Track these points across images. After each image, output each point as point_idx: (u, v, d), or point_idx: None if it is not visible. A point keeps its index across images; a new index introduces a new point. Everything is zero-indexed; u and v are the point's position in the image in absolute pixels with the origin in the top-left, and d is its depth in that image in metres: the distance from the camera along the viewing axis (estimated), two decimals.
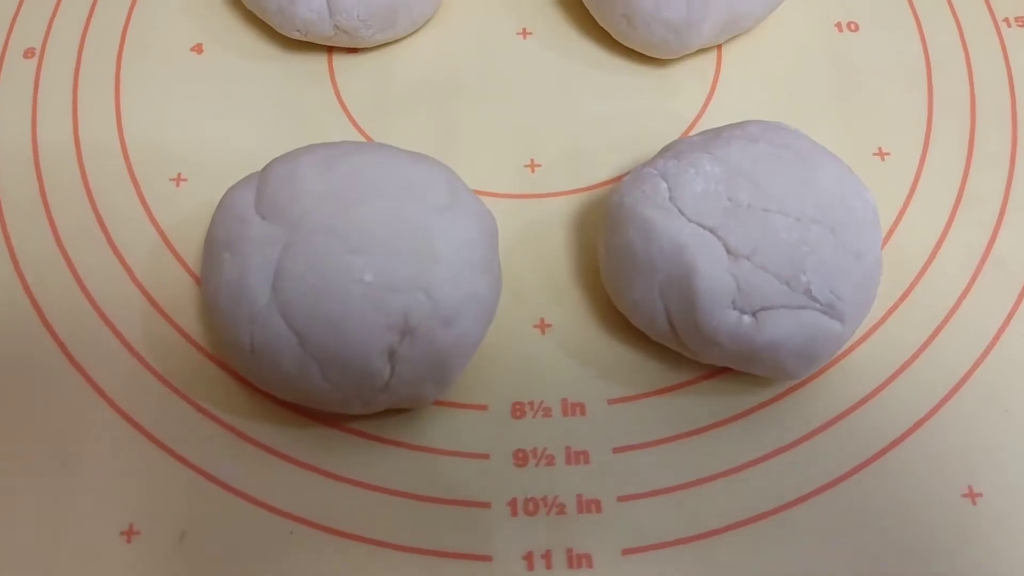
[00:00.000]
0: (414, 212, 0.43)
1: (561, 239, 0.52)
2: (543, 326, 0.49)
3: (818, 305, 0.43)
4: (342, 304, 0.41)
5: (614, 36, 0.56)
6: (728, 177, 0.44)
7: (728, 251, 0.43)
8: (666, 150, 0.48)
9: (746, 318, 0.43)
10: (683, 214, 0.44)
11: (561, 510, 0.45)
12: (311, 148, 0.47)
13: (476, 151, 0.54)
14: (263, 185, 0.45)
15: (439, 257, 0.43)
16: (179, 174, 0.53)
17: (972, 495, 0.45)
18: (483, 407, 0.47)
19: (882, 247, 0.49)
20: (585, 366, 0.48)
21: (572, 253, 0.51)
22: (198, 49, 0.58)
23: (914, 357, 0.49)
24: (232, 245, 0.44)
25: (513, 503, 0.45)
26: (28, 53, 0.57)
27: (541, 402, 0.47)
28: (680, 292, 0.43)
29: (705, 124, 0.55)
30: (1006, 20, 0.59)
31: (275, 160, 0.47)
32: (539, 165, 0.54)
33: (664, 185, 0.45)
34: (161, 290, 0.50)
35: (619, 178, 0.53)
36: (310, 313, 0.41)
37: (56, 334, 0.49)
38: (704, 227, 0.44)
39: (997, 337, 0.49)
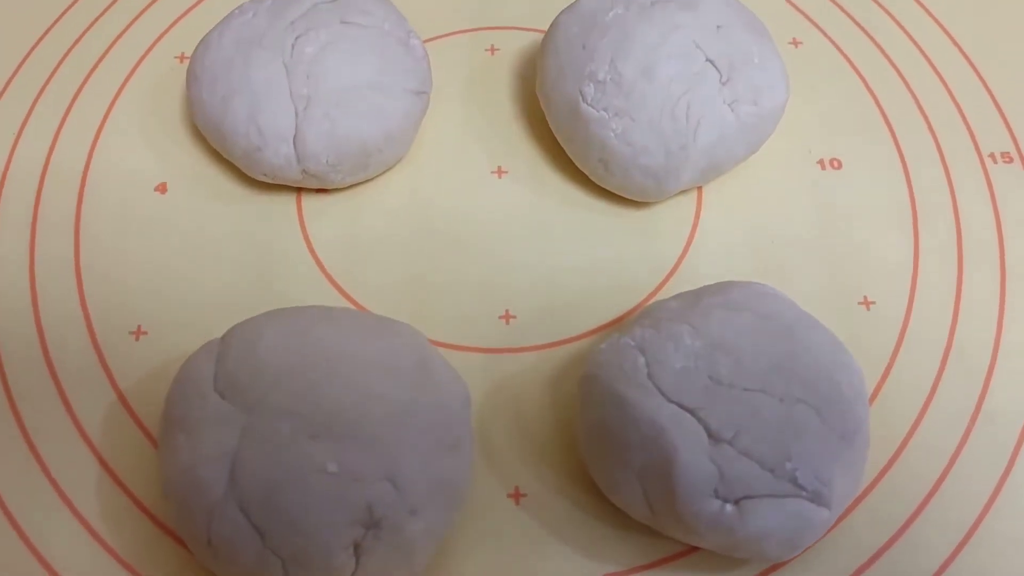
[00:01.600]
0: (381, 391, 0.42)
1: (537, 398, 0.50)
2: (517, 495, 0.47)
3: (804, 493, 0.41)
4: (304, 497, 0.39)
5: (591, 178, 0.55)
6: (709, 352, 0.43)
7: (709, 435, 0.41)
8: (644, 315, 0.47)
9: (728, 507, 0.41)
10: (662, 393, 0.42)
11: None
12: (273, 317, 0.45)
13: (449, 300, 0.52)
14: (223, 358, 0.43)
15: (406, 443, 0.41)
16: (139, 326, 0.51)
17: None
18: None
19: (869, 404, 0.47)
20: (561, 540, 0.46)
21: (549, 414, 0.49)
22: (162, 189, 0.56)
23: (903, 528, 0.47)
24: (188, 426, 0.42)
25: None
26: None
27: None
28: (659, 477, 0.41)
29: (686, 269, 0.54)
30: (992, 156, 0.58)
31: (236, 328, 0.45)
32: (514, 316, 0.52)
33: (642, 360, 0.43)
34: (117, 456, 0.48)
35: (597, 330, 0.52)
36: (270, 507, 0.39)
37: (3, 501, 0.46)
38: (684, 408, 0.42)
39: (990, 504, 0.47)
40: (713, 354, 0.43)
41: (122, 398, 0.49)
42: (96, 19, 0.62)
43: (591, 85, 0.51)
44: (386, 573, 0.41)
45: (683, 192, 0.55)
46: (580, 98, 0.52)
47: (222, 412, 0.41)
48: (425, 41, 0.60)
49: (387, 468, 0.40)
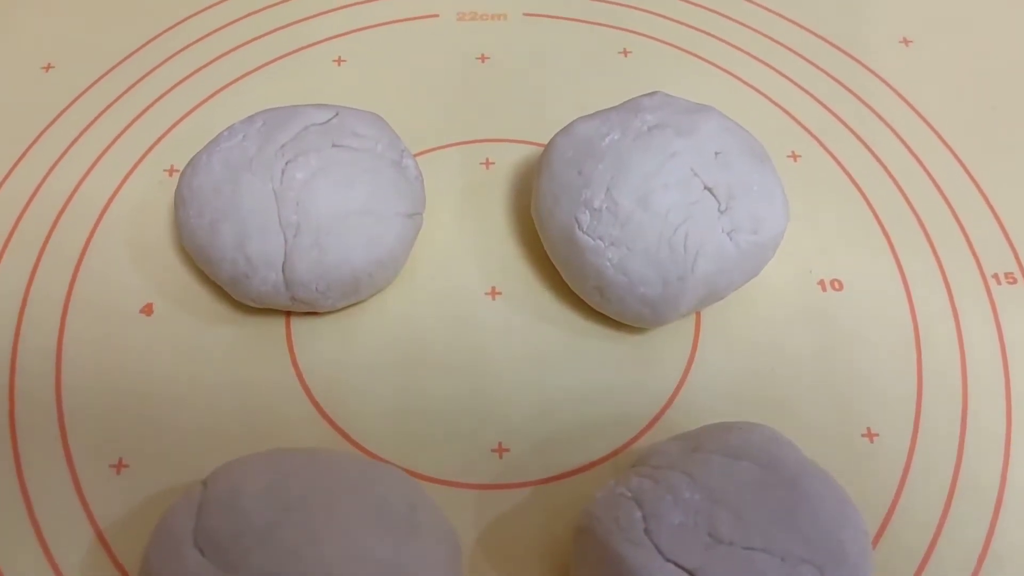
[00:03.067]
0: (367, 551, 0.40)
1: (531, 540, 0.48)
2: None
3: None
4: None
5: (587, 303, 0.54)
6: (708, 507, 0.41)
7: None
8: (640, 460, 0.45)
9: None
10: (659, 551, 0.40)
11: None
12: (257, 464, 0.43)
13: (440, 432, 0.51)
14: (204, 511, 0.42)
15: None
16: (120, 459, 0.50)
17: None
18: None
19: (873, 546, 0.46)
20: None
21: (543, 559, 0.47)
22: (148, 310, 0.54)
23: None
24: None
25: None
26: None
27: None
28: None
29: (684, 399, 0.52)
30: (995, 276, 0.57)
31: (218, 475, 0.44)
32: (507, 449, 0.50)
33: (639, 514, 0.42)
34: None
35: (594, 464, 0.50)
36: None
37: None
38: (682, 568, 0.40)
39: None
40: (712, 508, 0.41)
41: (101, 537, 0.48)
42: (83, 130, 0.61)
43: (587, 213, 0.50)
44: None
45: (681, 317, 0.54)
46: (575, 225, 0.51)
47: (202, 571, 0.40)
48: (418, 154, 0.59)
49: None
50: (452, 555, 0.43)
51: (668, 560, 0.40)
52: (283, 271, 0.50)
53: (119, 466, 0.49)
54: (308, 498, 0.41)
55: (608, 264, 0.50)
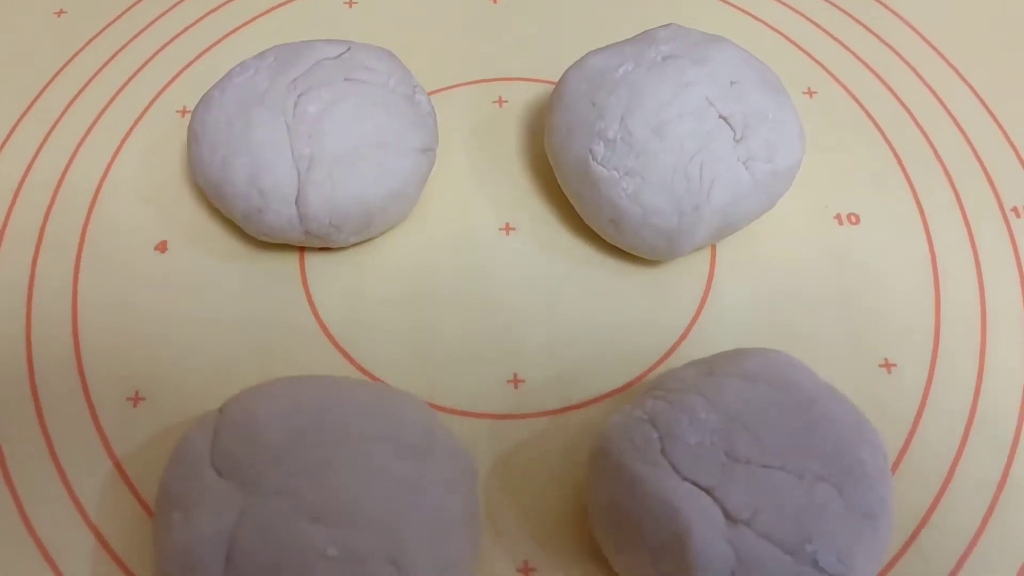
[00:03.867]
0: (383, 470, 0.40)
1: (547, 466, 0.48)
2: (527, 570, 0.45)
3: None
4: None
5: (602, 236, 0.53)
6: (724, 427, 0.41)
7: (726, 515, 0.39)
8: (655, 385, 0.45)
9: None
10: (676, 471, 0.40)
11: None
12: (272, 388, 0.43)
13: (456, 364, 0.51)
14: (220, 432, 0.42)
15: (409, 523, 0.39)
16: (137, 392, 0.50)
17: None
18: None
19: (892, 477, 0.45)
20: None
21: (558, 484, 0.48)
22: (162, 247, 0.54)
23: None
24: (184, 504, 0.40)
25: None
26: None
27: None
28: (673, 561, 0.40)
29: (700, 330, 0.52)
30: (1014, 210, 0.57)
31: (234, 400, 0.44)
32: (522, 380, 0.50)
33: (655, 435, 0.41)
34: (113, 527, 0.47)
35: (609, 395, 0.50)
36: None
37: None
38: (699, 486, 0.40)
39: None
40: (729, 429, 0.41)
41: (119, 467, 0.48)
42: (96, 73, 0.61)
43: (601, 144, 0.50)
44: None
45: (696, 249, 0.54)
46: (590, 156, 0.50)
47: (219, 490, 0.40)
48: (431, 93, 0.59)
49: (389, 550, 0.39)
50: (467, 476, 0.43)
51: (685, 479, 0.40)
52: (296, 204, 0.50)
53: (136, 399, 0.50)
54: (324, 420, 0.41)
55: (622, 194, 0.50)
